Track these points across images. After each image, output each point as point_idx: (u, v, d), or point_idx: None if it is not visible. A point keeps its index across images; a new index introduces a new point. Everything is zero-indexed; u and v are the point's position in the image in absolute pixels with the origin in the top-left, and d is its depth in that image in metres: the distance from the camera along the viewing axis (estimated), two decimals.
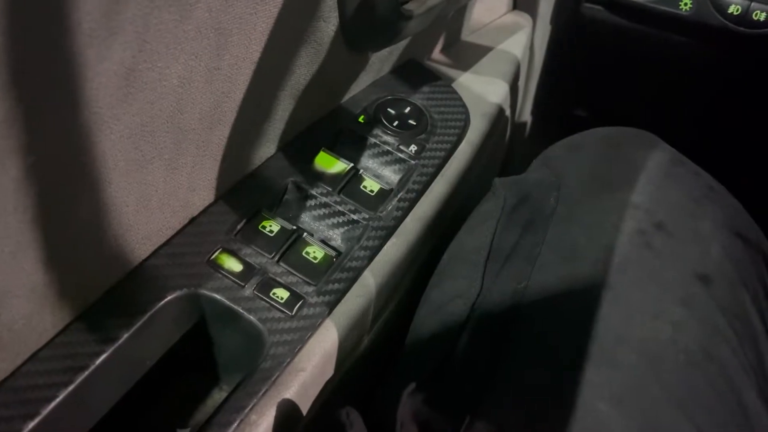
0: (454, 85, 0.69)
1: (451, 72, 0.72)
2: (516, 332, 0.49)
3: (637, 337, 0.47)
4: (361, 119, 0.61)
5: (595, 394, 0.44)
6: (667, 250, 0.51)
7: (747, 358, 0.48)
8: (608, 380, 0.45)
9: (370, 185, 0.56)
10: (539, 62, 0.88)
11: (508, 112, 0.75)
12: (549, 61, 0.89)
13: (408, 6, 0.55)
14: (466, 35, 0.78)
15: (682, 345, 0.47)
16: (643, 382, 0.45)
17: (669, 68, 0.85)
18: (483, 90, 0.70)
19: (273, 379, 0.44)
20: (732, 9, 0.73)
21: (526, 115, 0.91)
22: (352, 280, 0.51)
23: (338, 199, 0.54)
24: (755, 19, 0.73)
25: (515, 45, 0.78)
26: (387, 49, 0.61)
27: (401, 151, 0.59)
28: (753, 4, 0.73)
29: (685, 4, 0.75)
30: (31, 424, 0.38)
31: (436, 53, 0.74)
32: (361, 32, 0.55)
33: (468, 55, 0.75)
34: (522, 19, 0.82)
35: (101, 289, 0.44)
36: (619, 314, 0.47)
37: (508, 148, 0.84)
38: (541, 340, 0.48)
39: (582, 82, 0.92)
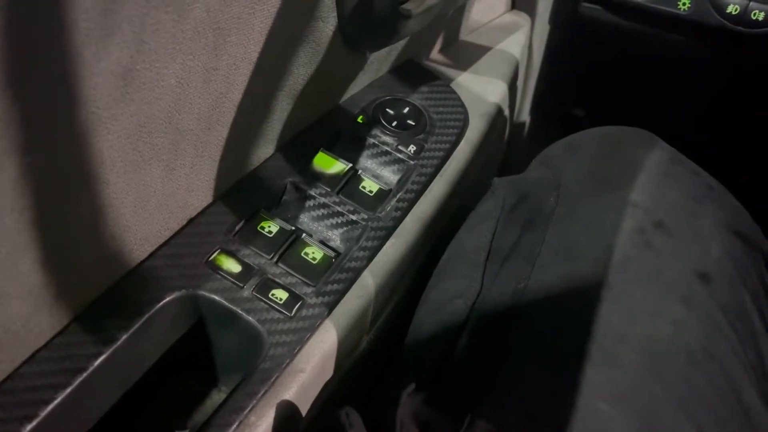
0: (452, 85, 0.69)
1: (449, 72, 0.72)
2: (516, 332, 0.49)
3: (638, 336, 0.47)
4: (359, 119, 0.61)
5: (595, 393, 0.44)
6: (666, 249, 0.51)
7: (747, 357, 0.48)
8: (608, 379, 0.45)
9: (369, 185, 0.56)
10: (538, 62, 0.88)
11: (506, 112, 0.75)
12: (548, 61, 0.89)
13: (406, 5, 0.55)
14: (465, 35, 0.78)
15: (682, 344, 0.47)
16: (643, 382, 0.45)
17: (668, 68, 0.85)
18: (482, 90, 0.70)
19: (272, 380, 0.44)
20: (731, 8, 0.73)
21: (525, 115, 0.91)
22: (351, 281, 0.51)
23: (337, 200, 0.54)
24: (754, 18, 0.73)
25: (514, 45, 0.78)
26: (385, 48, 0.61)
27: (400, 152, 0.59)
28: (752, 3, 0.73)
29: (684, 4, 0.75)
30: (29, 426, 0.38)
31: (435, 53, 0.74)
32: (360, 32, 0.55)
33: (466, 55, 0.75)
34: (520, 18, 0.82)
35: (99, 290, 0.44)
36: (619, 313, 0.47)
37: (507, 148, 0.84)
38: (541, 339, 0.48)
39: (581, 81, 0.92)
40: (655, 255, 0.50)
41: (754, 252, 0.55)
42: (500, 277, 0.53)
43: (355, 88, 0.63)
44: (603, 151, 0.60)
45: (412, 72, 0.67)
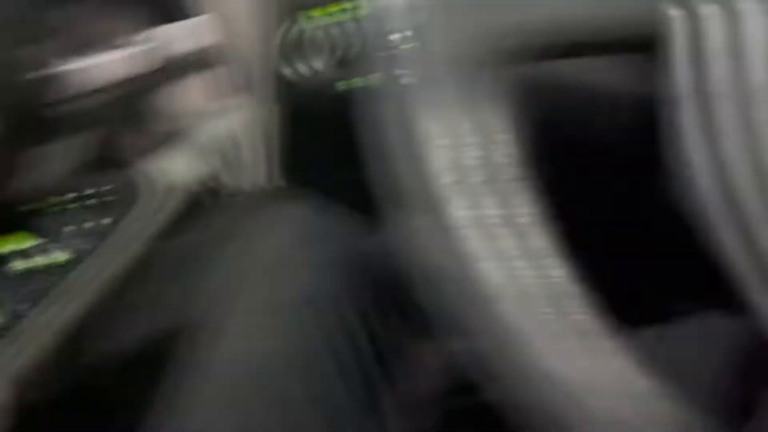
0: (154, 166, 0.73)
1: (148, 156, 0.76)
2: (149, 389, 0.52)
3: (248, 375, 0.51)
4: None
5: None
6: (267, 285, 0.56)
7: (354, 379, 0.53)
8: (234, 424, 0.48)
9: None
10: (262, 141, 0.93)
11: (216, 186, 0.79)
12: (274, 138, 0.94)
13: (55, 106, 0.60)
14: (174, 123, 0.83)
15: (290, 374, 0.51)
16: (264, 419, 0.49)
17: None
18: (178, 170, 0.75)
19: None
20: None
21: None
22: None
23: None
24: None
25: (228, 128, 0.83)
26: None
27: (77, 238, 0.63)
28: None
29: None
30: None
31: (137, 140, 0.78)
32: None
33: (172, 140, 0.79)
34: (239, 102, 0.87)
35: None
36: (225, 356, 0.52)
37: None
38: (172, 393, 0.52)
39: (301, 154, 0.98)
40: (257, 292, 0.55)
41: (358, 273, 0.60)
42: None
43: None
44: (239, 213, 0.66)
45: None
